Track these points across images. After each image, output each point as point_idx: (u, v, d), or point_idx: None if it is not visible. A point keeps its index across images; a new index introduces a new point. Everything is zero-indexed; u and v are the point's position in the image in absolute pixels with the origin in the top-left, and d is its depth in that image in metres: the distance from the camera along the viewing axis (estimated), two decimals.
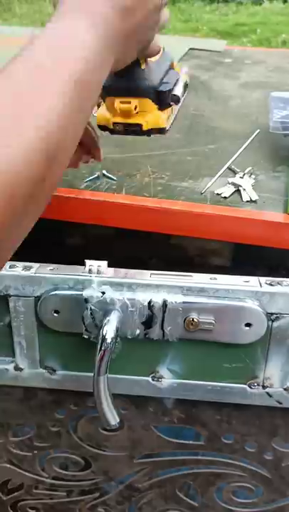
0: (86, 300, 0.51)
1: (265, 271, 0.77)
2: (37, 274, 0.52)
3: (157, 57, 0.54)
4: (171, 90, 0.54)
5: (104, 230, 0.68)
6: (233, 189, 0.65)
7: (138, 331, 0.52)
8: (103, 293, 0.51)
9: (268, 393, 0.55)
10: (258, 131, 0.85)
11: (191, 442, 0.61)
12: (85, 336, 0.53)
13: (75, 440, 0.62)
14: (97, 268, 0.52)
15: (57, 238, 1.04)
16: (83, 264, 0.53)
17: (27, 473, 0.66)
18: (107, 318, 0.50)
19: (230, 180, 0.67)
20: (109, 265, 0.53)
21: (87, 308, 0.51)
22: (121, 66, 0.44)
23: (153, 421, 0.60)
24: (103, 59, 0.38)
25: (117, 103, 0.54)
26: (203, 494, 0.65)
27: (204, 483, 0.64)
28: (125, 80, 0.52)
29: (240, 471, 0.63)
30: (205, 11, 5.75)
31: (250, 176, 0.69)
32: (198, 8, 5.89)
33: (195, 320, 0.51)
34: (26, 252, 0.61)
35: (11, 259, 0.36)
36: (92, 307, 0.51)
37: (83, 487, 0.66)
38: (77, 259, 0.53)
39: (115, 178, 0.67)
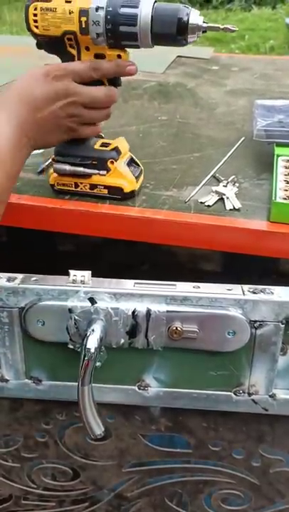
0: (70, 310, 0.51)
1: (256, 276, 0.77)
2: (21, 285, 0.52)
3: None
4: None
5: (97, 237, 0.68)
6: (216, 198, 0.66)
7: (122, 341, 0.53)
8: (87, 303, 0.51)
9: (253, 400, 0.56)
10: (243, 138, 0.86)
11: (178, 450, 0.61)
12: (70, 346, 0.53)
13: (63, 450, 0.62)
14: (81, 278, 0.52)
15: (48, 247, 1.04)
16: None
17: (15, 484, 0.65)
18: (91, 327, 0.50)
19: (214, 188, 0.67)
20: (101, 272, 0.53)
21: (71, 318, 0.51)
22: (42, 146, 0.63)
23: (140, 429, 0.60)
24: (17, 142, 0.57)
25: None
26: (192, 502, 0.65)
27: (193, 490, 0.64)
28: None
29: (228, 478, 0.63)
30: None
31: (233, 185, 0.69)
32: None
33: (179, 329, 0.51)
34: (17, 262, 0.61)
35: None
36: (76, 317, 0.51)
37: (72, 497, 0.66)
38: (68, 267, 0.53)
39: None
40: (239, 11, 5.83)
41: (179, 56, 1.47)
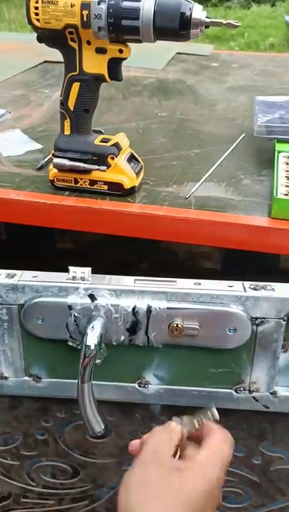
0: (70, 307, 0.51)
1: (256, 273, 0.77)
2: (20, 282, 0.51)
3: None
4: None
5: (96, 235, 0.68)
6: None
7: (123, 338, 0.52)
8: (87, 299, 0.51)
9: (254, 398, 0.55)
10: (244, 135, 0.85)
11: None
12: (70, 343, 0.53)
13: (63, 448, 0.62)
14: (81, 274, 0.52)
15: (47, 244, 1.03)
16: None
17: (14, 482, 0.65)
18: (91, 324, 0.50)
19: None
20: (101, 270, 0.52)
21: (71, 315, 0.51)
22: None
23: (140, 427, 0.60)
24: None
25: None
26: None
27: None
28: None
29: (229, 475, 0.62)
30: None
31: None
32: None
33: (179, 325, 0.51)
34: (18, 259, 0.61)
35: None
36: (76, 314, 0.51)
37: (72, 495, 0.66)
38: (67, 265, 0.53)
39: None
40: (238, 9, 5.81)
41: (178, 53, 1.47)
